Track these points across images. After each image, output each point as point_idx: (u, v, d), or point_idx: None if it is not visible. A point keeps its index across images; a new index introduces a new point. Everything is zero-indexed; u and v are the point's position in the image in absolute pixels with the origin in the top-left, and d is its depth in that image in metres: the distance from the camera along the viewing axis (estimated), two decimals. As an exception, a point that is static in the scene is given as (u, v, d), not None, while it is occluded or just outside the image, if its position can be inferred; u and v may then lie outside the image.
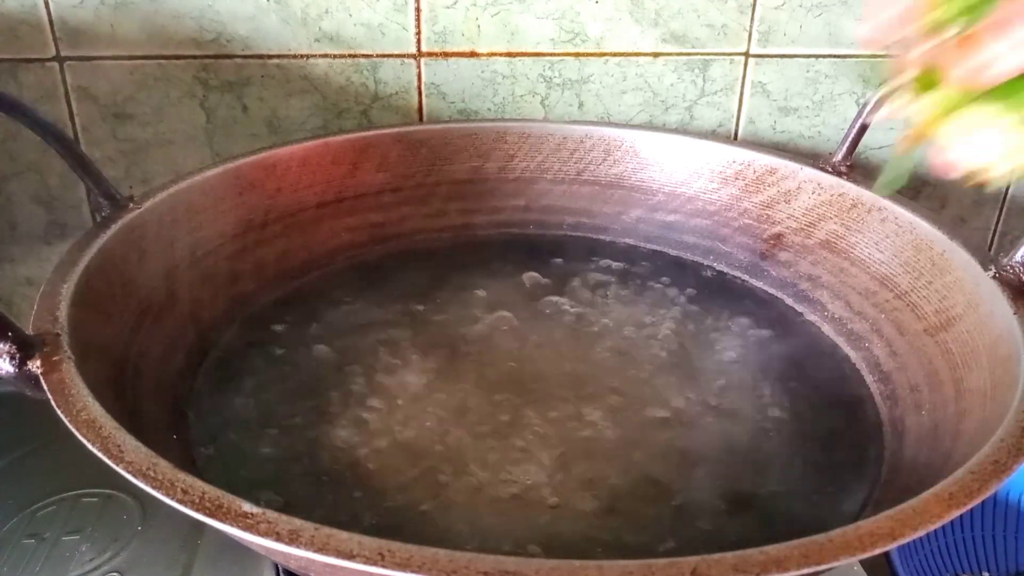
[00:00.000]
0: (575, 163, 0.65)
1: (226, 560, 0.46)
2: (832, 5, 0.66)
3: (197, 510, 0.29)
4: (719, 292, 0.59)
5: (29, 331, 0.37)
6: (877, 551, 0.28)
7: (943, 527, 0.47)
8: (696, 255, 0.63)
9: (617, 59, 0.67)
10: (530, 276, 0.60)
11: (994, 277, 0.44)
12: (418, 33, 0.64)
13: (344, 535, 0.27)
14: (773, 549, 0.27)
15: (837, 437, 0.46)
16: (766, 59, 0.68)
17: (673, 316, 0.56)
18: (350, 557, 0.26)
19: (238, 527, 0.28)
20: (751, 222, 0.61)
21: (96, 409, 0.33)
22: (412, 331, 0.54)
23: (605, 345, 0.53)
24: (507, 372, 0.51)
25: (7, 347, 0.35)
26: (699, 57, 0.67)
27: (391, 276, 0.60)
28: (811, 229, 0.57)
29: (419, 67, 0.65)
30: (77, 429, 0.32)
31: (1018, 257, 0.43)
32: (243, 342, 0.53)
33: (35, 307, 0.39)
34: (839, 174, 0.57)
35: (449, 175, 0.64)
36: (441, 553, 0.26)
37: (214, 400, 0.48)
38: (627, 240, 0.65)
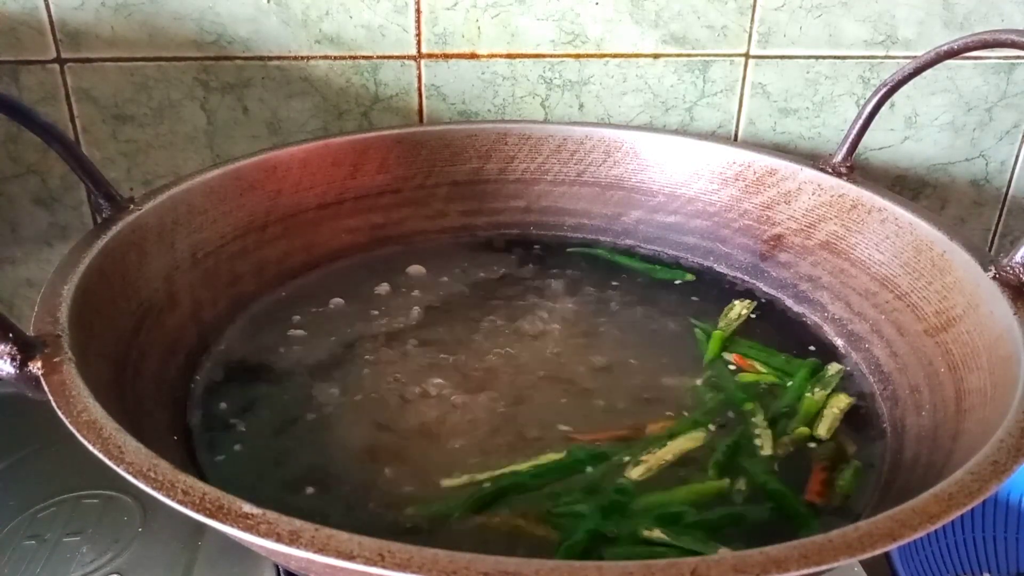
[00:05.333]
0: (575, 164, 0.65)
1: (227, 561, 0.46)
2: (832, 6, 0.66)
3: (198, 511, 0.29)
4: (719, 293, 0.59)
5: (30, 332, 0.37)
6: (877, 551, 0.28)
7: (943, 528, 0.47)
8: (696, 256, 0.63)
9: (617, 60, 0.67)
10: (530, 277, 0.61)
11: (994, 278, 0.44)
12: (418, 35, 0.64)
13: (344, 536, 0.27)
14: (773, 549, 0.27)
15: (838, 437, 0.46)
16: (766, 60, 0.68)
17: (673, 317, 0.56)
18: (350, 558, 0.26)
19: (238, 528, 0.28)
20: (751, 223, 0.61)
21: (97, 410, 0.33)
22: (412, 331, 0.54)
23: (604, 345, 0.53)
24: (506, 371, 0.51)
25: (8, 348, 0.35)
26: (699, 58, 0.67)
27: (391, 277, 0.60)
28: (811, 230, 0.57)
29: (419, 69, 0.65)
30: (78, 430, 0.32)
31: (1018, 257, 0.43)
32: (244, 343, 0.53)
33: (36, 308, 0.39)
34: (839, 175, 0.57)
35: (449, 176, 0.64)
36: (441, 554, 0.26)
37: (215, 401, 0.48)
38: (627, 241, 0.65)
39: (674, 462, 0.43)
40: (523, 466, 0.43)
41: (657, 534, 0.39)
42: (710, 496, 0.42)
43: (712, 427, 0.46)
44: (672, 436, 0.45)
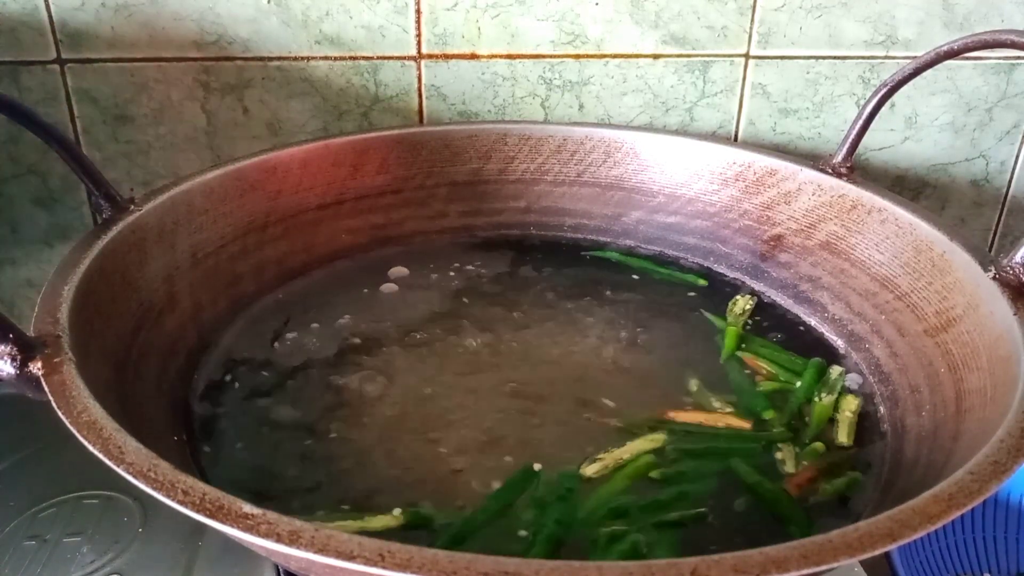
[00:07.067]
0: (575, 165, 0.65)
1: (227, 561, 0.46)
2: (832, 6, 0.66)
3: (198, 511, 0.29)
4: (719, 293, 0.59)
5: (30, 333, 0.37)
6: (877, 551, 0.28)
7: (944, 528, 0.47)
8: (696, 257, 0.63)
9: (617, 61, 0.67)
10: (530, 277, 0.61)
11: (994, 278, 0.44)
12: (418, 35, 0.64)
13: (344, 536, 0.27)
14: (773, 549, 0.27)
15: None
16: (766, 61, 0.68)
17: (673, 317, 0.56)
18: (350, 558, 0.26)
19: (239, 528, 0.28)
20: (751, 223, 0.61)
21: (97, 411, 0.33)
22: (412, 332, 0.54)
23: (604, 346, 0.53)
24: (506, 372, 0.51)
25: (8, 349, 0.35)
26: (699, 59, 0.67)
27: (391, 277, 0.60)
28: (811, 230, 0.58)
29: (419, 69, 0.65)
30: (78, 431, 0.32)
31: (1018, 258, 0.43)
32: (244, 343, 0.53)
33: (36, 309, 0.39)
34: (839, 175, 0.57)
35: (449, 177, 0.64)
36: (441, 554, 0.26)
37: (215, 401, 0.48)
38: (627, 242, 0.65)
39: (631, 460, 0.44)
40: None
41: (619, 527, 0.39)
42: (642, 473, 0.42)
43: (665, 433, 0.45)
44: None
